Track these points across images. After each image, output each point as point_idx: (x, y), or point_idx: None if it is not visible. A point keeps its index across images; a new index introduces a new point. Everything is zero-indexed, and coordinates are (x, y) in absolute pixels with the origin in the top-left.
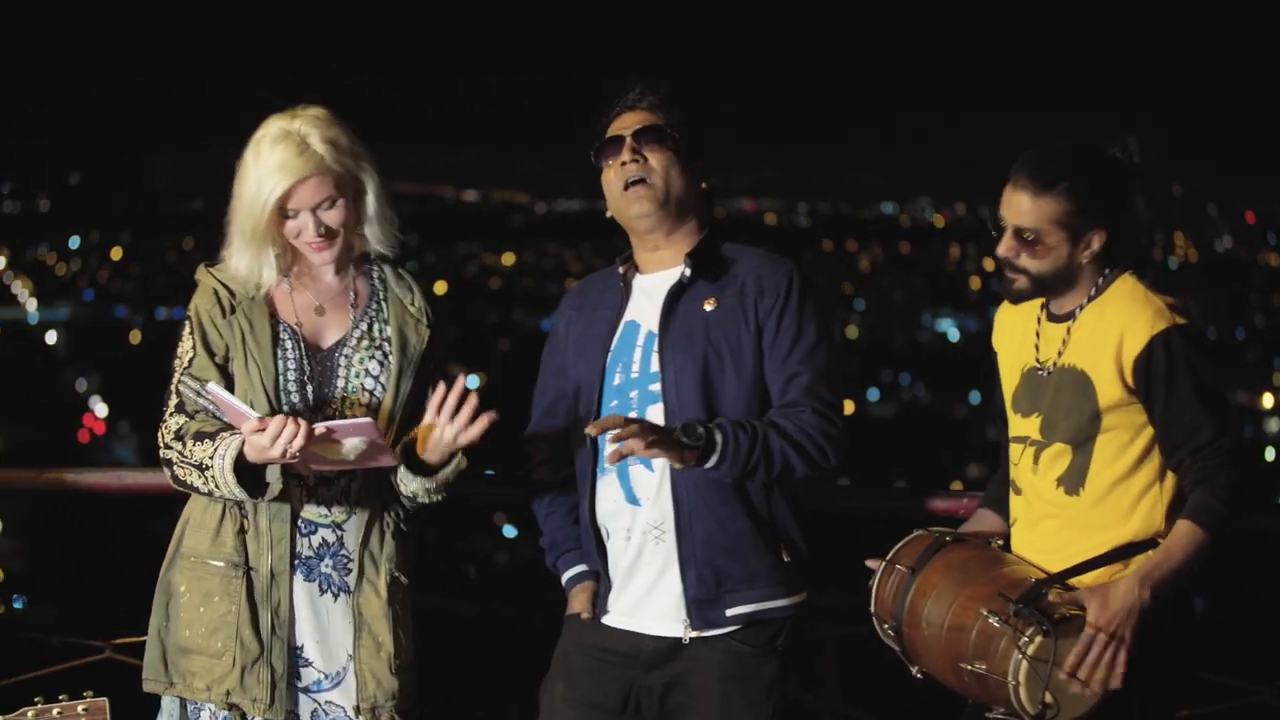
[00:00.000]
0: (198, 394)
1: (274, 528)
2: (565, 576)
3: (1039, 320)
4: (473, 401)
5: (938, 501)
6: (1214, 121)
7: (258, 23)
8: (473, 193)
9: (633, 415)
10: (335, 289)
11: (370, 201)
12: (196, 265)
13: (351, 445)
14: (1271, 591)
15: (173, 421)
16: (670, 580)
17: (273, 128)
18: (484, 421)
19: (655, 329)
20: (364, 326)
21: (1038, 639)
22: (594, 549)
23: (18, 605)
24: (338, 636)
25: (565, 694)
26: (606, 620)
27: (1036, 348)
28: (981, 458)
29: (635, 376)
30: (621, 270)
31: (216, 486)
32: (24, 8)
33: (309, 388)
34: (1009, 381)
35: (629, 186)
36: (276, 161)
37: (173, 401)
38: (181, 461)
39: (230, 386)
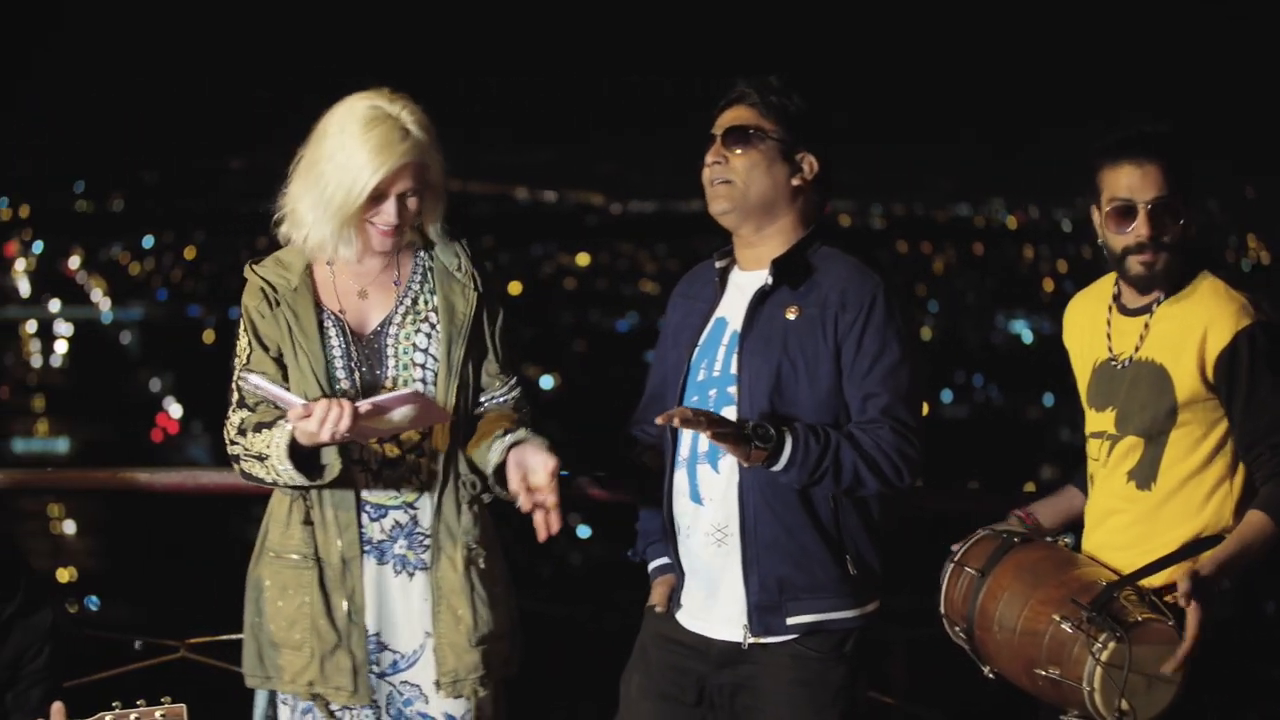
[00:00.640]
0: (256, 387)
1: (339, 516)
2: (650, 566)
3: (1110, 312)
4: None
5: (1011, 503)
6: None
7: (331, 19)
8: (548, 193)
9: (706, 410)
10: (377, 270)
11: (437, 194)
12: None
13: (402, 414)
14: None
15: (235, 417)
16: (733, 584)
17: (364, 105)
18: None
19: (740, 330)
20: (408, 302)
21: (1111, 645)
22: (669, 543)
23: (92, 605)
24: (415, 616)
25: (642, 686)
26: (679, 616)
27: (1109, 339)
28: (1055, 459)
29: (716, 375)
30: (719, 264)
31: (277, 475)
32: (97, 8)
33: (357, 373)
34: (1082, 377)
35: (713, 185)
36: (378, 142)
37: (234, 397)
38: (245, 455)
39: (287, 378)
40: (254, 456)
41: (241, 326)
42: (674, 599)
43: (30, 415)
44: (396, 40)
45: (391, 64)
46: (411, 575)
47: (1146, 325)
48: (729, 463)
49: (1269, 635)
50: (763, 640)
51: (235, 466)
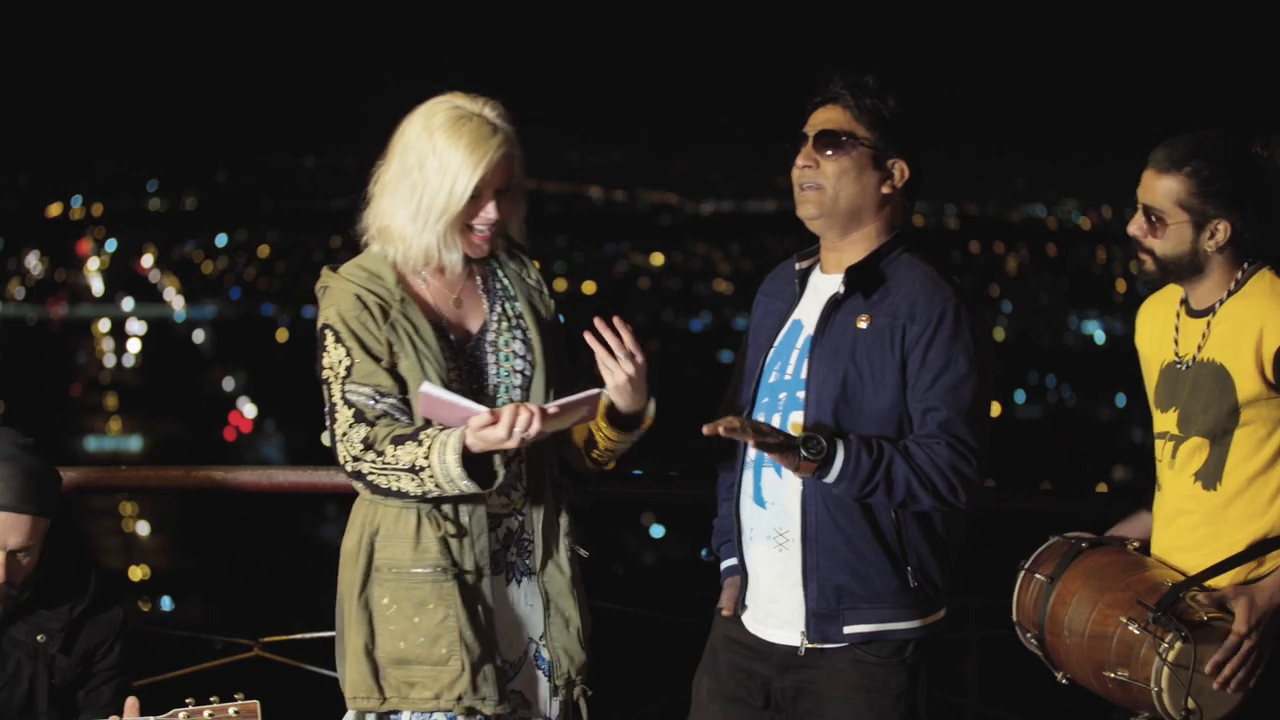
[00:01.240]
0: (373, 399)
1: (474, 523)
2: (722, 566)
3: (1178, 315)
4: (625, 329)
5: (1083, 504)
6: None
7: (403, 18)
8: (621, 193)
9: (752, 420)
10: (464, 278)
11: (521, 193)
12: (316, 287)
13: (582, 414)
14: None
15: (355, 433)
16: (792, 589)
17: (447, 107)
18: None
19: (812, 334)
20: (499, 309)
21: (1178, 645)
22: (737, 544)
23: (165, 604)
24: (522, 622)
25: (710, 689)
26: (744, 618)
27: (1176, 343)
28: (1127, 460)
29: (788, 378)
30: (798, 266)
31: (436, 485)
32: (171, 7)
33: (464, 379)
34: (1150, 378)
35: (803, 189)
36: (471, 139)
37: (347, 412)
38: (382, 470)
39: (403, 389)
40: (400, 470)
41: (332, 338)
42: (740, 601)
43: (103, 413)
44: (469, 41)
45: (464, 65)
46: (519, 582)
47: (1209, 325)
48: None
49: None
50: (820, 646)
51: (359, 484)
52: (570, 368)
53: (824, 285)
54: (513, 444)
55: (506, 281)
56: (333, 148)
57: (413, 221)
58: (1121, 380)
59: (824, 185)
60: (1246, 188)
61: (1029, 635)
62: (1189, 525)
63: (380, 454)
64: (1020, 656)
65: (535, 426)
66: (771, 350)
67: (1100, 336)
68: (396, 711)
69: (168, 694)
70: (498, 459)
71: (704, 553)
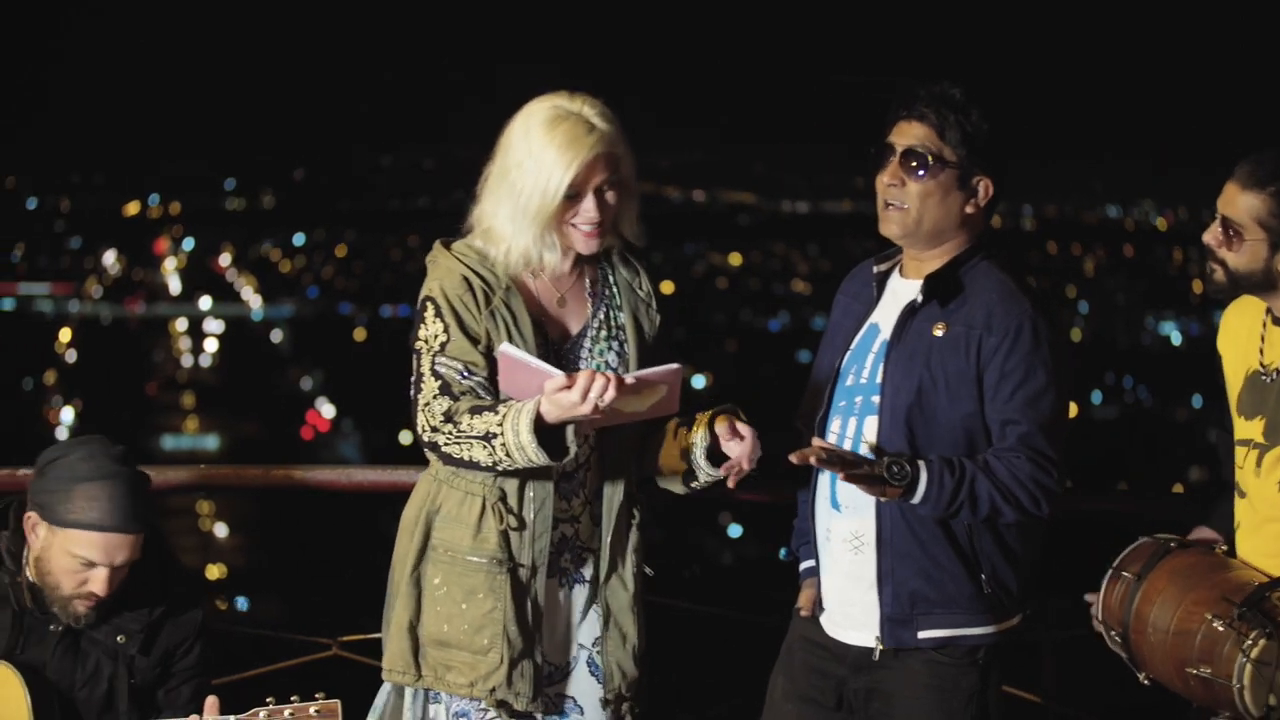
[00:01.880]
0: (463, 375)
1: (537, 521)
2: (801, 567)
3: (1264, 325)
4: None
5: (1159, 504)
6: None
7: (483, 19)
8: (700, 193)
9: (835, 451)
10: (572, 278)
11: (630, 190)
12: (421, 262)
13: (651, 396)
14: None
15: (438, 404)
16: (867, 592)
17: (546, 107)
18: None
19: (888, 339)
20: (601, 316)
21: (1261, 642)
22: (814, 546)
23: (242, 604)
24: (571, 628)
25: (785, 688)
26: (821, 619)
27: (1261, 352)
28: (1204, 461)
29: (864, 382)
30: (876, 269)
31: (507, 455)
32: (249, 8)
33: None
34: (1233, 384)
35: (887, 208)
36: (565, 139)
37: (433, 384)
38: (456, 440)
39: (493, 371)
40: (474, 438)
41: (432, 311)
42: (818, 602)
43: (180, 412)
44: (551, 43)
45: (546, 63)
46: (569, 588)
47: None
48: None
49: None
50: (895, 650)
51: (432, 454)
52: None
53: (902, 290)
54: (586, 409)
55: (616, 289)
56: (411, 147)
57: (511, 221)
58: (1198, 381)
59: (909, 206)
60: None
61: (1113, 634)
62: (1275, 533)
63: (457, 424)
64: (1099, 658)
65: (610, 394)
66: (848, 353)
67: (1177, 338)
68: (434, 691)
69: (246, 693)
70: (570, 433)
71: (782, 553)
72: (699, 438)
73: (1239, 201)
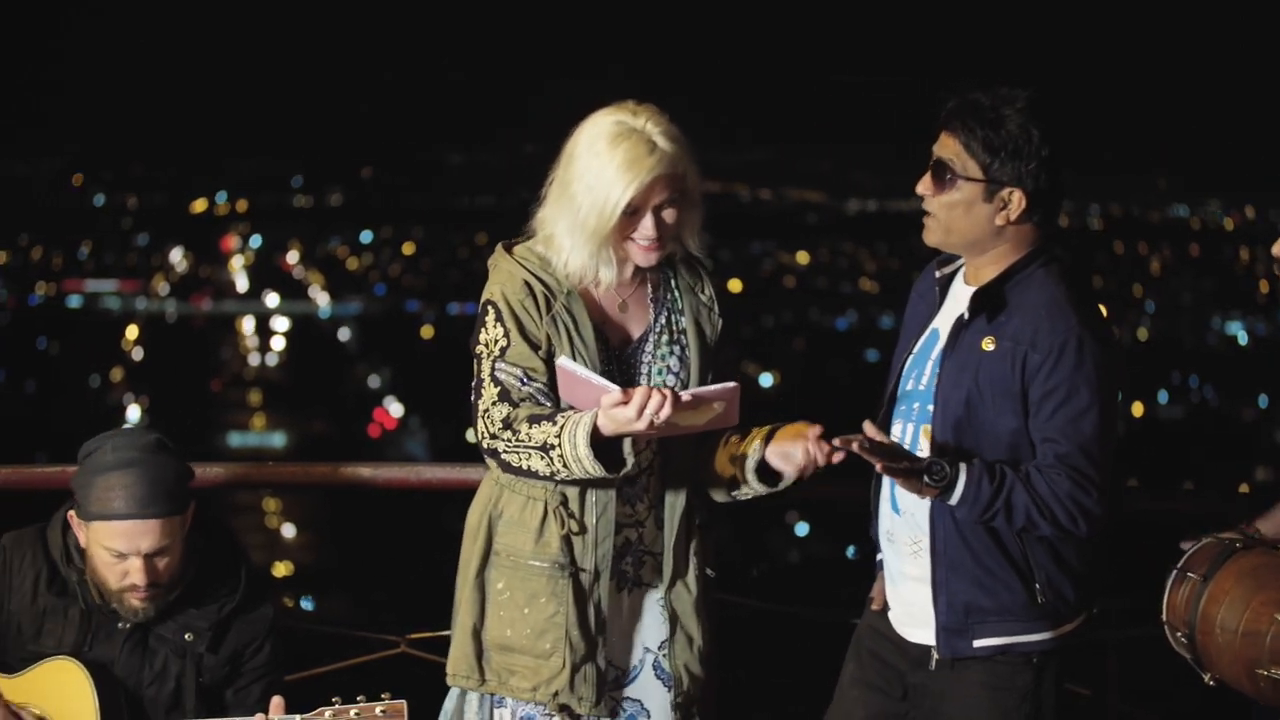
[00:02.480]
0: (522, 381)
1: (600, 526)
2: (877, 557)
3: None
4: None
5: (1225, 504)
6: None
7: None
8: (767, 191)
9: (879, 443)
10: (634, 284)
11: (693, 202)
12: (488, 261)
13: (709, 411)
14: None
15: (497, 411)
16: (925, 598)
17: (609, 122)
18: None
19: (943, 350)
20: (663, 320)
21: None
22: (881, 543)
23: (308, 602)
24: (636, 634)
25: (853, 675)
26: (890, 613)
27: None
28: (1270, 461)
29: (922, 389)
30: (938, 274)
31: (565, 466)
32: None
33: (617, 384)
34: None
35: (923, 214)
36: (626, 158)
37: (493, 390)
38: (515, 448)
39: (553, 376)
40: (532, 448)
41: (492, 315)
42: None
43: (246, 409)
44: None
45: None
46: (630, 592)
47: None
48: None
49: None
50: (950, 658)
51: (492, 461)
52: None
53: (962, 296)
54: (641, 426)
55: (678, 293)
56: (480, 145)
57: (569, 235)
58: (1264, 381)
59: (938, 216)
60: None
61: (1179, 635)
62: None
63: (516, 432)
64: (1162, 658)
65: (665, 411)
66: (911, 357)
67: (1243, 337)
68: (499, 695)
69: (313, 691)
70: (627, 446)
71: (850, 551)
72: (753, 449)
73: None
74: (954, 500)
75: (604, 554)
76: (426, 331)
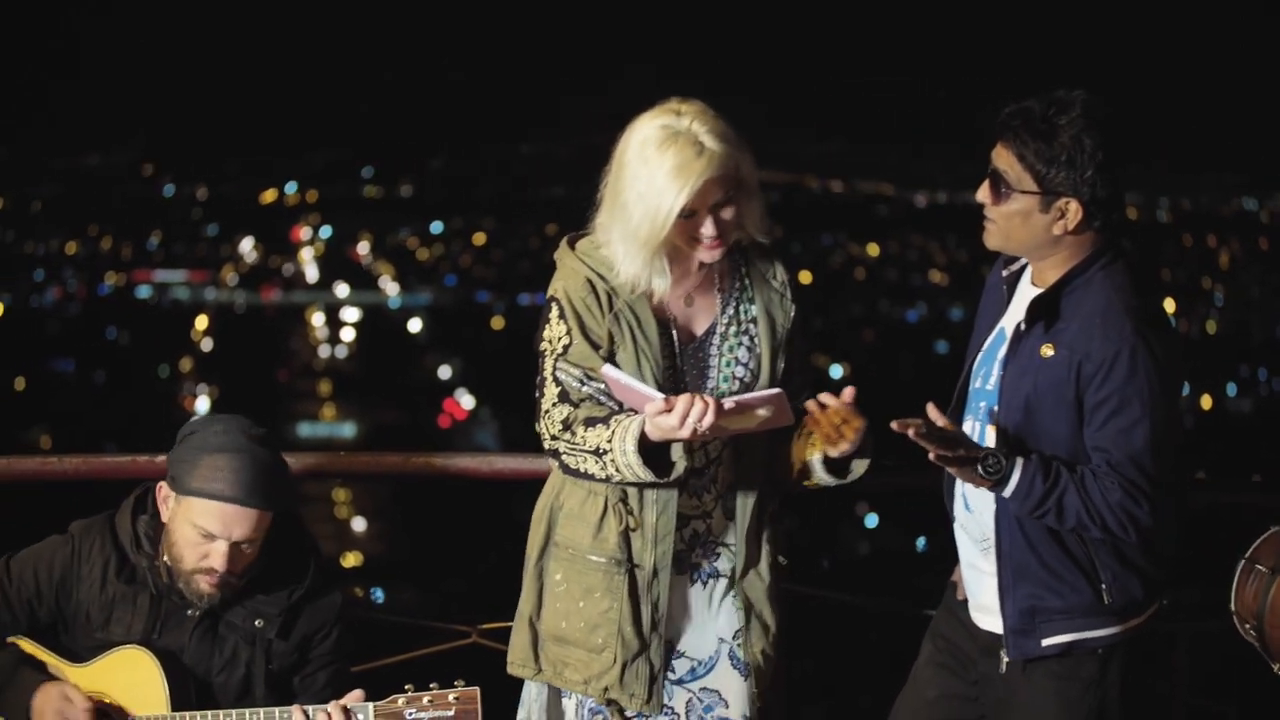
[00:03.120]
0: (581, 382)
1: (660, 523)
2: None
3: None
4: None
5: None
6: None
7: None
8: (838, 183)
9: (937, 429)
10: (700, 277)
11: (750, 192)
12: (555, 254)
13: (758, 414)
14: None
15: (557, 412)
16: (994, 595)
17: (655, 127)
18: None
19: (1006, 354)
20: (731, 312)
21: None
22: (956, 534)
23: (377, 594)
24: (710, 624)
25: (930, 655)
26: (963, 598)
27: None
28: None
29: (989, 388)
30: (1004, 272)
31: (617, 470)
32: None
33: (685, 380)
34: None
35: (984, 218)
36: (674, 164)
37: (553, 390)
38: (572, 450)
39: None
40: (586, 451)
41: (555, 312)
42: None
43: (316, 400)
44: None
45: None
46: (705, 584)
47: None
48: None
49: None
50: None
51: (554, 461)
52: (800, 375)
53: (1027, 297)
54: (685, 434)
55: (748, 282)
56: (549, 135)
57: (622, 243)
58: None
59: (997, 223)
60: None
61: (1247, 626)
62: None
63: (573, 434)
64: (1232, 650)
65: (708, 419)
66: (980, 353)
67: None
68: (566, 690)
69: (385, 681)
70: (677, 451)
71: (920, 543)
72: (815, 442)
73: None
74: (1007, 493)
75: (663, 551)
76: (497, 323)
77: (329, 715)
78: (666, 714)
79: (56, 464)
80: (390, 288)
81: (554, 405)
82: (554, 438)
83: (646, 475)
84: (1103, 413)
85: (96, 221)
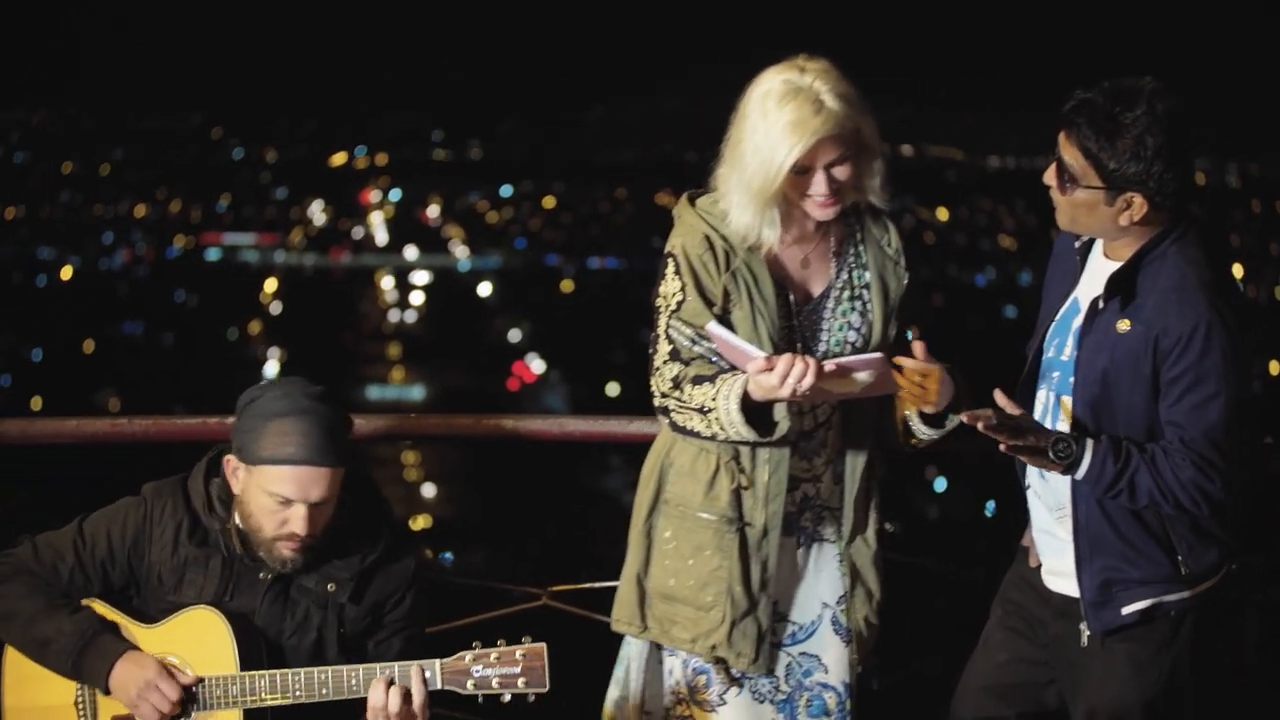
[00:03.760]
0: (692, 340)
1: (772, 483)
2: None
3: None
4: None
5: None
6: None
7: None
8: (908, 148)
9: (1009, 417)
10: (816, 238)
11: (870, 154)
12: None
13: (860, 378)
14: None
15: (668, 369)
16: (1068, 555)
17: (778, 81)
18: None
19: (1082, 326)
20: (845, 276)
21: None
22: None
23: (447, 557)
24: (813, 588)
25: (1000, 618)
26: (1034, 561)
27: None
28: None
29: (1064, 359)
30: (1076, 244)
31: (721, 429)
32: None
33: (798, 343)
34: None
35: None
36: (791, 119)
37: (665, 347)
38: (680, 408)
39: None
40: (693, 409)
41: (671, 268)
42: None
43: (385, 363)
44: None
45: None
46: (809, 548)
47: None
48: None
49: None
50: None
51: (663, 418)
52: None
53: (1100, 270)
54: (785, 393)
55: (862, 248)
56: (620, 99)
57: (737, 192)
58: None
59: (1064, 210)
60: None
61: None
62: None
63: (682, 392)
64: None
65: (808, 380)
66: (1053, 323)
67: None
68: (671, 648)
69: (456, 643)
70: (780, 411)
71: (989, 507)
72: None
73: None
74: (1079, 476)
75: (774, 511)
76: (566, 286)
77: (393, 676)
78: (767, 676)
79: (127, 425)
80: (459, 251)
81: (665, 363)
82: (664, 395)
83: (749, 434)
84: (1178, 388)
85: (165, 184)
